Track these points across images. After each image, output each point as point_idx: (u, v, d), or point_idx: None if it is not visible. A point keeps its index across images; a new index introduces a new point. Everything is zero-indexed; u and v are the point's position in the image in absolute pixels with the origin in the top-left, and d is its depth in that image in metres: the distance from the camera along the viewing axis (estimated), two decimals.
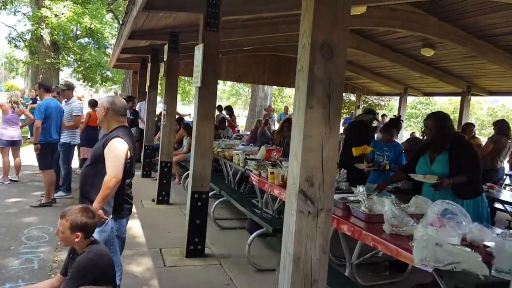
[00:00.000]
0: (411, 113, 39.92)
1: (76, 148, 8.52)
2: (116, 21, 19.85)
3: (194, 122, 4.40)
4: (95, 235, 3.04)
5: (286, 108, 15.83)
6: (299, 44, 2.06)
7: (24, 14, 22.46)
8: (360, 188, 3.59)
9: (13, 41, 15.15)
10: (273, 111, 15.44)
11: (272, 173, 4.76)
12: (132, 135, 3.22)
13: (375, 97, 19.12)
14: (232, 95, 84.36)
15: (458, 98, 12.09)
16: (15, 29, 20.03)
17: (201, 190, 4.36)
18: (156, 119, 9.40)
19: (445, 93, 13.03)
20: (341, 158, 6.40)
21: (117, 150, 2.92)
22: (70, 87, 6.83)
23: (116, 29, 15.83)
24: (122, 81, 18.64)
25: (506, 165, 8.25)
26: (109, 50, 17.74)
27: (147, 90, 9.00)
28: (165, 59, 6.61)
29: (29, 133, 10.12)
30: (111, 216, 3.00)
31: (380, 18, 6.75)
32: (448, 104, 37.32)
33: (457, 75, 10.30)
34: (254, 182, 5.45)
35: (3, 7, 15.03)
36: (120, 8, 25.46)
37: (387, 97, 18.67)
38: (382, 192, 4.42)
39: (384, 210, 3.19)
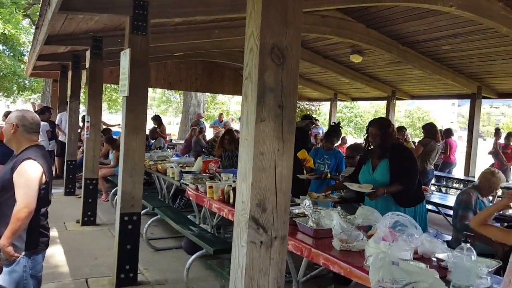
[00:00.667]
0: (338, 117, 41.41)
1: None
2: (33, 27, 18.34)
3: (121, 136, 3.96)
4: (3, 276, 2.55)
5: (221, 115, 15.53)
6: (246, 48, 1.79)
7: None
8: (306, 201, 3.39)
9: None
10: (202, 118, 15.05)
11: (210, 187, 4.44)
12: (48, 155, 2.75)
13: (306, 102, 19.49)
14: (163, 102, 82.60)
15: (379, 102, 12.57)
16: None
17: (132, 211, 3.92)
18: (79, 130, 8.65)
19: (372, 98, 13.48)
20: None
21: (28, 174, 2.46)
22: None
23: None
24: (41, 90, 17.19)
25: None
26: (26, 58, 16.30)
27: (68, 99, 8.26)
28: (87, 66, 6.03)
29: None
30: (23, 253, 2.51)
31: (312, 24, 6.71)
32: (370, 108, 39.20)
33: (383, 81, 10.69)
34: (191, 197, 5.08)
35: None
36: (38, 13, 23.62)
37: (318, 102, 19.08)
38: (325, 202, 4.29)
39: (333, 224, 3.01)
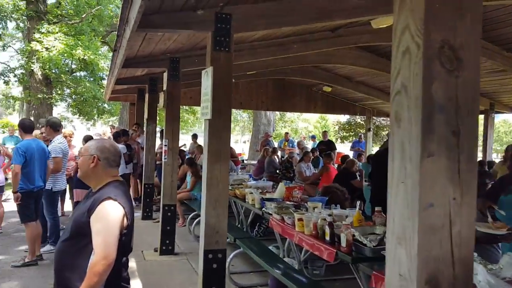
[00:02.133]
0: None
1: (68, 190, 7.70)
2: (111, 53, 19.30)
3: (204, 163, 3.56)
4: None
5: (287, 134, 15.02)
6: (395, 50, 1.25)
7: (16, 50, 21.96)
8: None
9: (1, 77, 14.45)
10: (270, 137, 14.63)
11: (300, 219, 3.90)
12: (128, 192, 2.37)
13: (383, 118, 18.40)
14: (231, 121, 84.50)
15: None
16: (8, 65, 19.45)
17: (217, 248, 3.47)
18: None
19: None
20: (374, 195, 5.57)
21: (108, 218, 2.08)
22: (49, 124, 5.99)
23: None
24: (119, 113, 17.89)
25: None
26: (105, 82, 17.10)
27: (145, 122, 8.22)
28: (164, 88, 5.83)
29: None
30: None
31: None
32: None
33: (481, 92, 9.57)
34: (275, 228, 4.58)
35: None
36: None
37: None
38: None
39: (477, 279, 2.32)
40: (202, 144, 4.66)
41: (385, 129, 19.49)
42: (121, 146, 8.77)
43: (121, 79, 7.34)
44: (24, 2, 13.37)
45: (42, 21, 13.68)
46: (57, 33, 13.03)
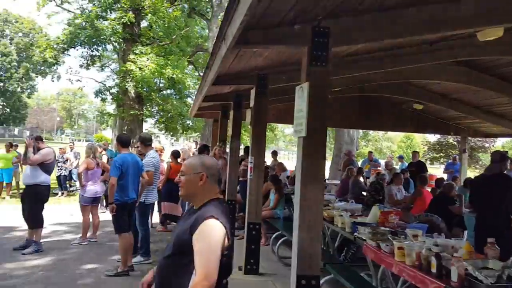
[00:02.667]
0: None
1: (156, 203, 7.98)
2: (197, 72, 20.17)
3: (297, 185, 3.39)
4: None
5: (370, 154, 14.36)
6: None
7: (112, 70, 23.78)
8: None
9: (100, 95, 15.68)
10: (354, 156, 14.07)
11: (401, 248, 3.56)
12: (228, 212, 2.28)
13: (478, 139, 17.01)
14: None
15: None
16: (104, 84, 21.12)
17: (310, 273, 3.26)
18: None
19: None
20: (481, 224, 5.02)
21: (211, 237, 1.99)
22: (140, 140, 6.24)
23: (197, 79, 15.82)
24: (202, 129, 18.52)
25: None
26: (189, 100, 17.84)
27: (229, 139, 8.31)
28: (251, 105, 5.81)
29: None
30: None
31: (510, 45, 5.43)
32: None
33: None
34: (368, 255, 4.26)
35: (91, 64, 15.69)
36: (200, 60, 26.17)
37: (492, 138, 16.47)
38: None
39: None
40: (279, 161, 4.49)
41: (480, 150, 17.98)
42: None
43: (209, 96, 7.49)
44: (121, 26, 14.44)
45: (136, 43, 14.67)
46: (149, 53, 13.85)
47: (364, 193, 11.28)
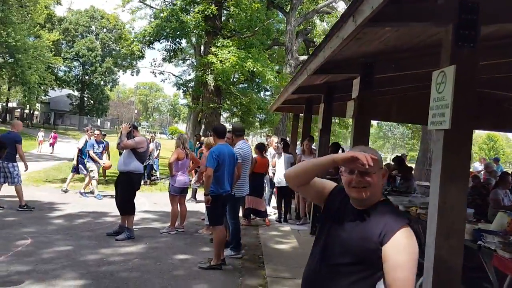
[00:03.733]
0: None
1: None
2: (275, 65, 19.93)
3: (434, 183, 2.95)
4: None
5: (483, 160, 13.12)
6: None
7: (188, 65, 24.24)
8: None
9: (181, 87, 15.97)
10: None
11: None
12: None
13: None
14: (380, 137, 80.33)
15: None
16: (181, 78, 21.59)
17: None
18: None
19: None
20: None
21: (413, 250, 1.66)
22: (233, 131, 6.05)
23: (276, 72, 15.55)
24: (278, 123, 18.29)
25: None
26: (267, 94, 17.66)
27: (318, 134, 7.93)
28: (354, 96, 5.38)
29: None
30: None
31: None
32: None
33: None
34: (498, 266, 3.70)
35: (174, 57, 16.05)
36: (274, 55, 26.02)
37: None
38: None
39: None
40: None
41: None
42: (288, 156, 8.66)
43: (300, 88, 7.16)
44: (204, 19, 14.56)
45: (218, 36, 14.72)
46: (230, 46, 13.82)
47: None
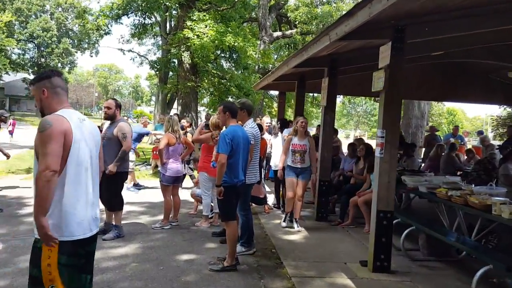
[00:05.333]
0: None
1: None
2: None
3: None
4: None
5: (456, 129, 12.95)
6: None
7: (153, 43, 22.76)
8: None
9: (155, 66, 14.79)
10: (437, 131, 12.76)
11: None
12: None
13: None
14: (344, 115, 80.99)
15: None
16: (147, 58, 20.24)
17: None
18: None
19: None
20: None
21: None
22: (241, 108, 5.20)
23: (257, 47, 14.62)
24: (259, 103, 17.45)
25: None
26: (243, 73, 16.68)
27: (322, 111, 7.23)
28: (381, 65, 4.68)
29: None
30: None
31: None
32: None
33: None
34: None
35: (143, 33, 14.81)
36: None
37: None
38: None
39: None
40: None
41: None
42: None
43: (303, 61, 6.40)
44: None
45: (193, 9, 13.61)
46: (207, 20, 12.79)
47: (458, 172, 10.09)
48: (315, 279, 4.38)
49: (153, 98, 56.93)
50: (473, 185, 5.60)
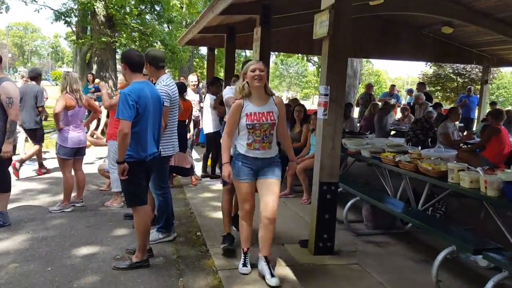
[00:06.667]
0: None
1: None
2: None
3: None
4: None
5: (393, 88, 12.70)
6: None
7: None
8: None
9: (63, 17, 12.82)
10: (372, 88, 12.44)
11: None
12: None
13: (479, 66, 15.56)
14: (276, 77, 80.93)
15: None
16: (49, 7, 17.67)
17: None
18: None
19: None
20: None
21: None
22: (151, 60, 4.08)
23: None
24: (187, 62, 16.01)
25: None
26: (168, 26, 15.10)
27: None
28: (324, 5, 3.78)
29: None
30: None
31: None
32: None
33: None
34: None
35: None
36: None
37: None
38: None
39: None
40: None
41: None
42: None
43: (230, 7, 5.37)
44: None
45: None
46: None
47: (392, 132, 9.81)
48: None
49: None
50: (420, 148, 5.08)
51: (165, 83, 4.05)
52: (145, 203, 3.57)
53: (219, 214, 5.12)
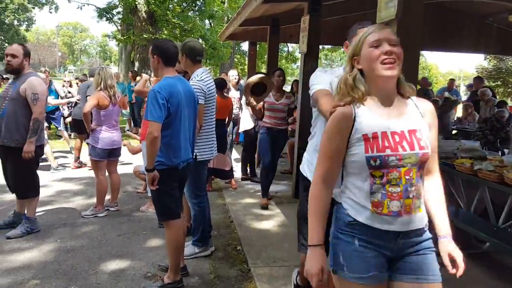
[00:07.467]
0: None
1: None
2: None
3: None
4: None
5: (452, 82, 11.67)
6: None
7: None
8: None
9: (105, 14, 12.74)
10: (430, 85, 11.49)
11: None
12: None
13: None
14: None
15: None
16: (100, 8, 17.74)
17: None
18: None
19: None
20: None
21: None
22: (192, 52, 3.58)
23: None
24: (228, 59, 15.60)
25: None
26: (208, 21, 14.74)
27: (302, 59, 5.71)
28: None
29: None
30: None
31: None
32: None
33: None
34: None
35: None
36: None
37: None
38: None
39: None
40: None
41: None
42: None
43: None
44: None
45: None
46: None
47: (454, 131, 8.93)
48: None
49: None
50: (499, 153, 4.32)
51: (200, 77, 3.55)
52: (178, 217, 3.10)
53: (261, 225, 4.64)
